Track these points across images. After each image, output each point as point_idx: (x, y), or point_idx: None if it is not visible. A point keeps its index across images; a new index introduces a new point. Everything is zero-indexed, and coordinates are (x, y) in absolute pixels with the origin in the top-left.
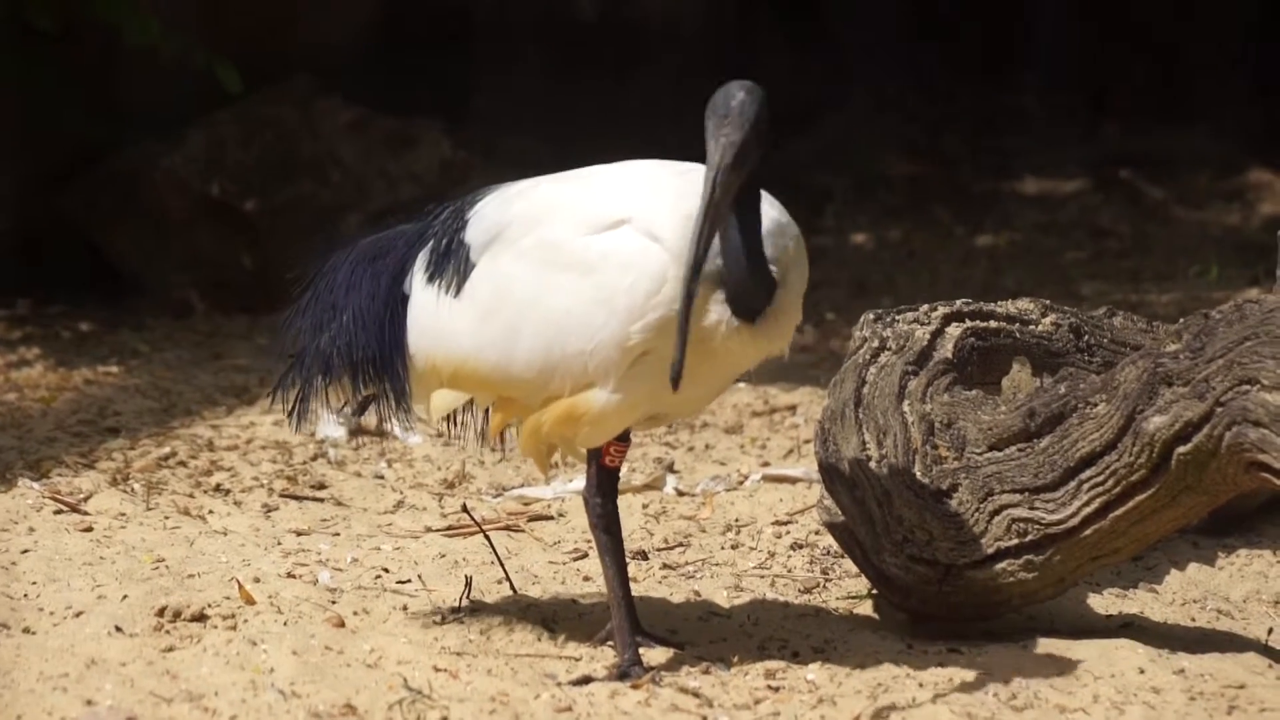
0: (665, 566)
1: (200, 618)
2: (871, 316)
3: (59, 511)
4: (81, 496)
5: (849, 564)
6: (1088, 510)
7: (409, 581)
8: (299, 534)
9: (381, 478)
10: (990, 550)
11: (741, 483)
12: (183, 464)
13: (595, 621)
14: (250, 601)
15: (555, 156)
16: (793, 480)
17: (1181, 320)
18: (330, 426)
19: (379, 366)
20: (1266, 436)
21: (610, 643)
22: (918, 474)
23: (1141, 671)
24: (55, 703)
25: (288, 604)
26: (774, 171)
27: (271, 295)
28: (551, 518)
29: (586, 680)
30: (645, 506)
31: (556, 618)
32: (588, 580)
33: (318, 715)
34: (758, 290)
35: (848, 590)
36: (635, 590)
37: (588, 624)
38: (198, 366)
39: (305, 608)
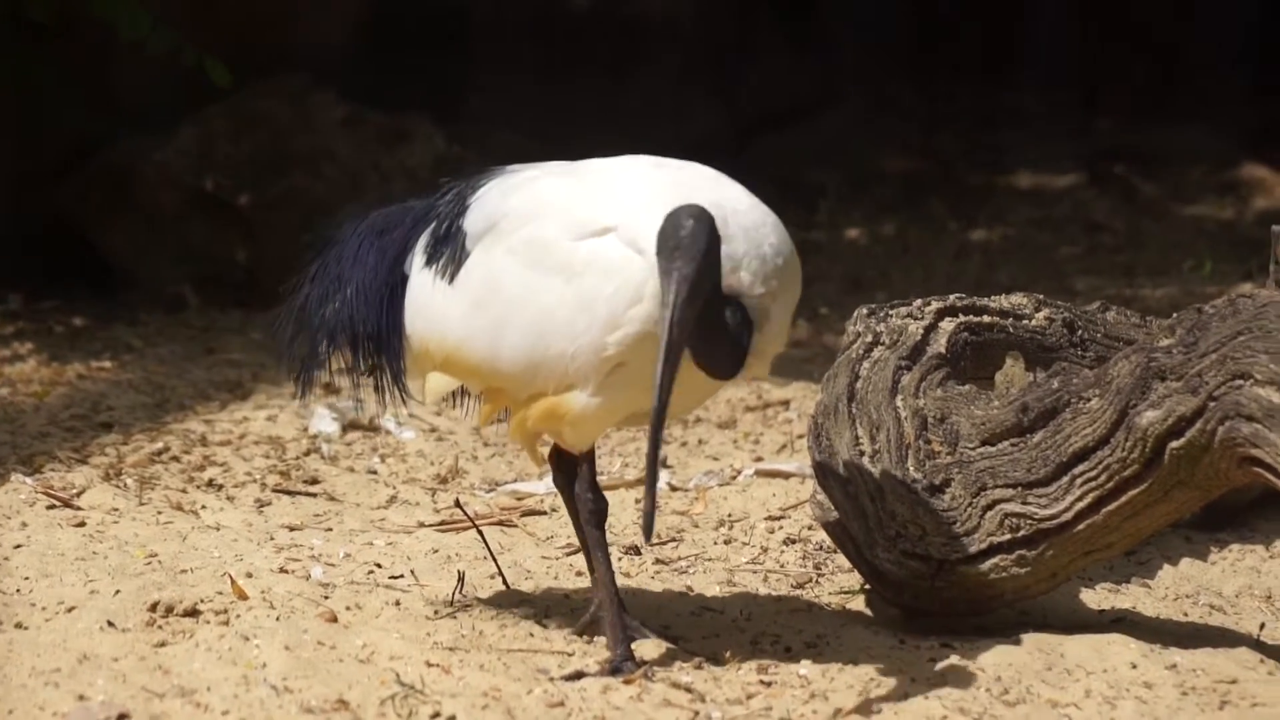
0: (658, 561)
1: (193, 613)
2: (865, 311)
3: (51, 506)
4: (74, 491)
5: (842, 559)
6: (1080, 505)
7: (402, 577)
8: (292, 529)
9: (374, 473)
10: (983, 545)
11: (734, 478)
12: (176, 459)
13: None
14: (243, 596)
15: (550, 154)
16: (786, 475)
17: (1175, 315)
18: (323, 422)
19: (378, 344)
20: (1259, 431)
21: (587, 635)
22: (911, 469)
23: (1134, 666)
24: (47, 698)
25: (280, 599)
26: (769, 168)
27: (265, 290)
28: (545, 513)
29: (579, 675)
30: (638, 501)
31: (549, 613)
32: (581, 575)
33: (310, 710)
34: (729, 364)
35: (840, 585)
36: (628, 585)
37: (580, 619)
38: (191, 361)
39: (298, 603)
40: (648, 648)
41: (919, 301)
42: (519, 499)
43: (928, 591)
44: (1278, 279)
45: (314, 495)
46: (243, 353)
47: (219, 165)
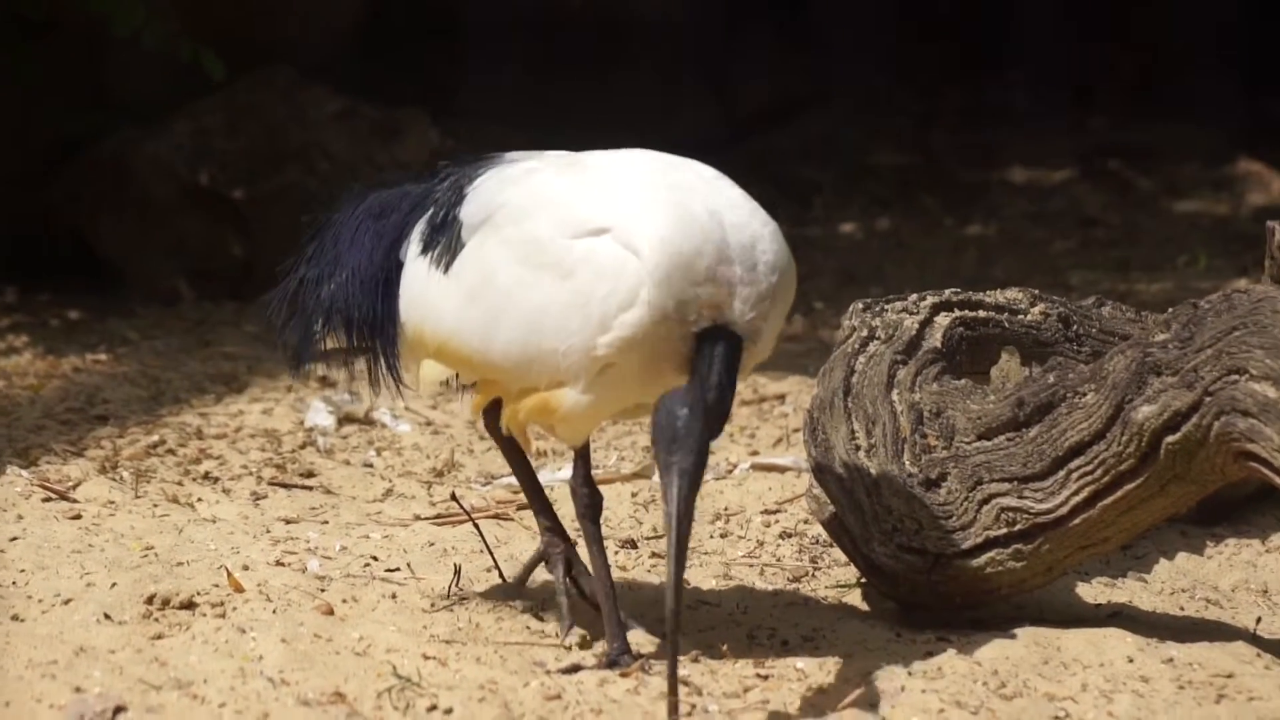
0: (654, 555)
1: (189, 605)
2: (860, 306)
3: (47, 499)
4: (70, 484)
5: (838, 553)
6: (1076, 499)
7: (398, 570)
8: (288, 522)
9: (370, 466)
10: (979, 539)
11: (730, 471)
12: (171, 452)
13: (584, 610)
14: (239, 589)
15: (543, 148)
16: (781, 469)
17: (1170, 310)
18: (319, 415)
19: (373, 330)
20: (1255, 426)
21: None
22: (907, 463)
23: (1130, 660)
24: (44, 690)
25: (277, 592)
26: (763, 164)
27: (260, 283)
28: None
29: (576, 668)
30: (634, 495)
31: (546, 606)
32: None
33: (306, 703)
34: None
35: (837, 579)
36: (624, 579)
37: (576, 612)
38: (186, 354)
39: (294, 595)
40: (637, 635)
41: (914, 296)
42: (515, 492)
43: (924, 585)
44: (1273, 274)
45: (310, 488)
46: (238, 346)
47: (213, 159)
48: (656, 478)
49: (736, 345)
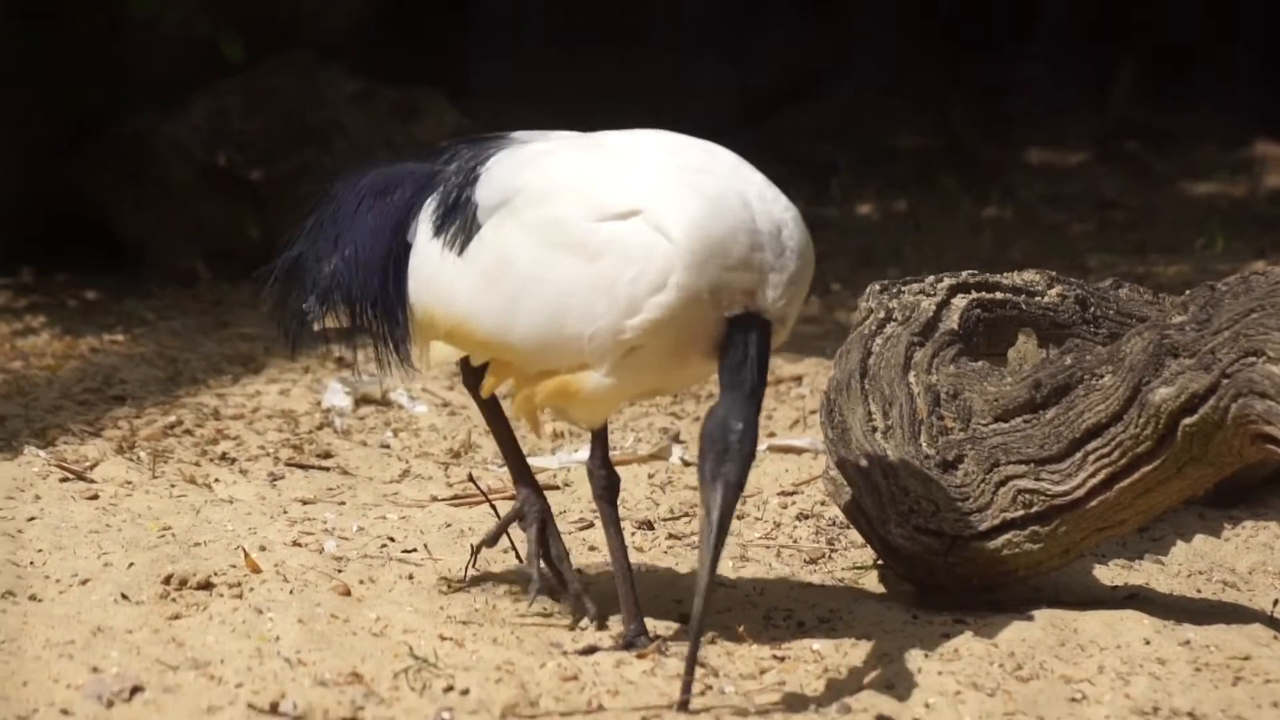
0: (671, 536)
1: (206, 586)
2: (877, 287)
3: (65, 479)
4: (87, 464)
5: (854, 535)
6: (1094, 481)
7: (415, 551)
8: (305, 503)
9: (387, 447)
10: (996, 521)
11: None
12: (189, 432)
13: (601, 591)
14: (256, 570)
15: (561, 127)
16: (799, 451)
17: (1188, 292)
18: (336, 396)
19: (380, 311)
20: (1273, 408)
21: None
22: (923, 445)
23: (1147, 643)
24: (61, 670)
25: (294, 572)
26: (780, 142)
27: None
28: (557, 488)
29: (592, 649)
30: (651, 476)
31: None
32: (593, 550)
33: (324, 683)
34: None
35: (853, 561)
36: (641, 560)
37: (594, 594)
38: (204, 335)
39: (311, 576)
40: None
41: (931, 278)
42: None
43: (941, 567)
44: None
45: (327, 469)
46: (255, 327)
47: (231, 140)
48: (674, 459)
49: (768, 334)
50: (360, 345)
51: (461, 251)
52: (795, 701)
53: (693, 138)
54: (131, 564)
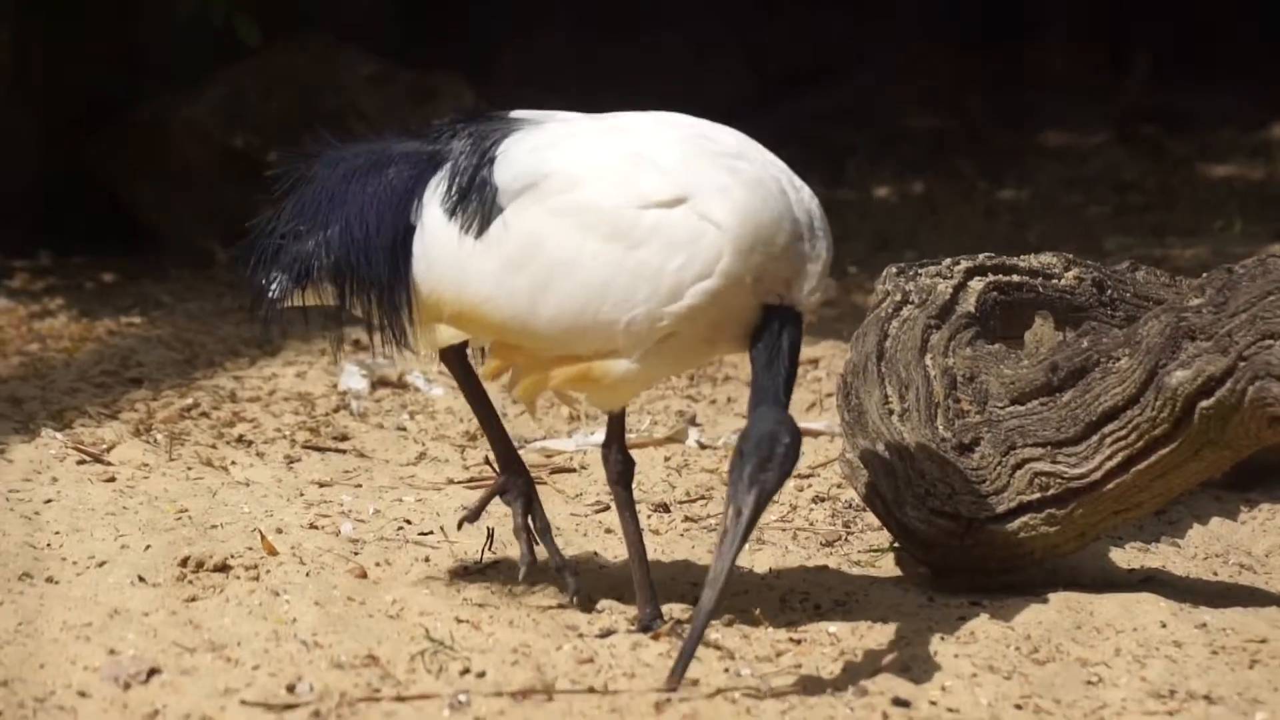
0: (687, 519)
1: (223, 568)
2: (894, 270)
3: (82, 462)
4: (104, 447)
5: (871, 517)
6: (1110, 464)
7: (431, 533)
8: (321, 485)
9: (403, 429)
10: (1012, 504)
11: None
12: (205, 415)
13: (617, 574)
14: (273, 552)
15: (578, 109)
16: (815, 434)
17: (1204, 275)
18: (352, 378)
19: (378, 292)
20: None
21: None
22: (940, 428)
23: (1163, 625)
24: (78, 652)
25: (310, 555)
26: (796, 125)
27: None
28: (573, 470)
29: (609, 632)
30: (667, 459)
31: (578, 570)
32: (609, 533)
33: (340, 665)
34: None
35: (869, 544)
36: (657, 543)
37: (609, 576)
38: (220, 317)
39: (327, 559)
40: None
41: (948, 260)
42: (548, 456)
43: (957, 550)
44: None
45: (343, 452)
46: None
47: (248, 122)
48: (690, 442)
49: (799, 327)
50: (346, 324)
51: (479, 235)
52: (811, 684)
53: (703, 120)
54: (148, 546)
